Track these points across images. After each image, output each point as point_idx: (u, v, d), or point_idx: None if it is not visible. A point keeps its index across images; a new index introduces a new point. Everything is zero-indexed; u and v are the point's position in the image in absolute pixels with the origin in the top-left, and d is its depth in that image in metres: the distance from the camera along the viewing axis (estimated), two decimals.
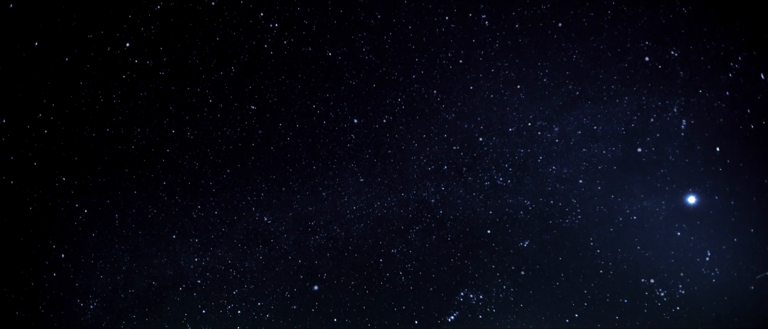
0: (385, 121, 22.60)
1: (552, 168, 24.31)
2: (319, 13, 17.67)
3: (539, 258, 26.27)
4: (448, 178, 26.04)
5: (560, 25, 17.10)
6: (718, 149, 18.88)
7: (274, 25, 17.02)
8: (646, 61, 16.97)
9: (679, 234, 21.11)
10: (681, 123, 18.98)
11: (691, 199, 20.17)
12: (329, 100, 21.20)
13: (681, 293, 21.71)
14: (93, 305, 19.98)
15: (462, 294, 26.00)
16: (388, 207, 25.98)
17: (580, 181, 23.96)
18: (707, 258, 20.61)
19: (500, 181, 25.27)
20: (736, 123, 17.51)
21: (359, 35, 18.07)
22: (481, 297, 25.96)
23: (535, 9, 17.47)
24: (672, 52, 16.60)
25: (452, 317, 23.07)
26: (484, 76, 19.37)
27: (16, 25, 14.33)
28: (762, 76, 15.02)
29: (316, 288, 22.12)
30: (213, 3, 15.95)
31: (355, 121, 22.59)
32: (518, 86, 19.94)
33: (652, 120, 19.92)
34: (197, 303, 23.46)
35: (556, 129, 22.22)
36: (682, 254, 21.57)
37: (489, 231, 26.25)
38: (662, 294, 22.24)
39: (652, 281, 23.62)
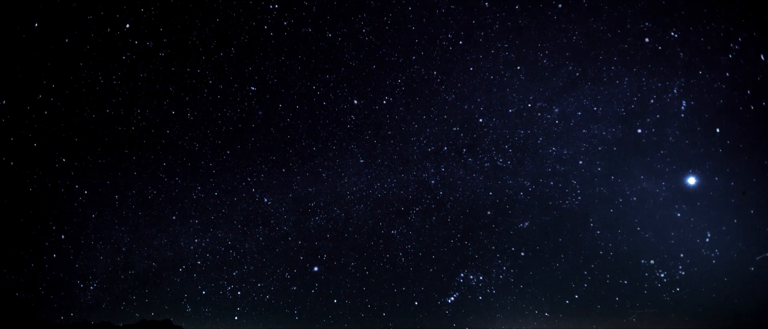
0: (385, 102, 22.39)
1: (552, 149, 24.11)
2: None
3: (539, 239, 26.00)
4: (448, 159, 25.68)
5: (560, 6, 16.90)
6: (718, 130, 18.78)
7: (274, 6, 16.81)
8: (646, 42, 16.81)
9: (679, 215, 20.95)
10: (681, 104, 18.86)
11: (691, 180, 20.06)
12: (329, 81, 20.99)
13: (681, 274, 21.63)
14: (93, 286, 19.96)
15: (462, 275, 25.78)
16: (388, 188, 25.78)
17: (580, 162, 23.76)
18: (707, 239, 20.47)
19: (500, 162, 25.03)
20: (736, 104, 17.40)
21: (359, 16, 17.84)
22: (481, 278, 25.75)
23: None
24: (672, 33, 16.42)
25: (452, 298, 23.00)
26: (484, 57, 19.16)
27: (16, 7, 14.21)
28: (762, 57, 14.90)
29: (316, 269, 22.06)
30: None
31: (355, 102, 22.36)
32: (518, 67, 19.73)
33: (652, 101, 19.78)
34: (197, 283, 23.35)
35: (556, 110, 22.04)
36: (682, 235, 21.45)
37: (489, 212, 25.96)
38: (662, 275, 22.15)
39: (652, 262, 23.42)
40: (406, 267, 26.32)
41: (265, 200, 26.34)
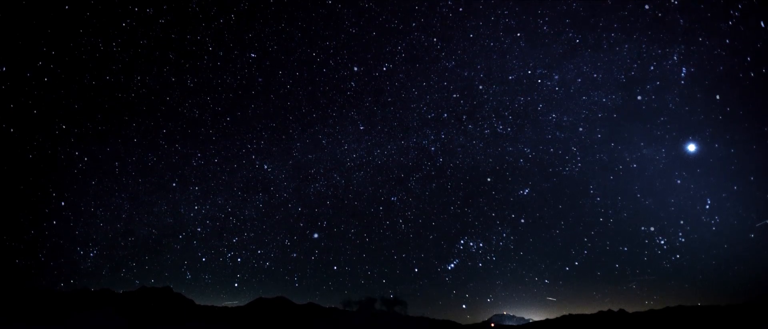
0: (385, 68, 22.28)
1: (552, 116, 24.08)
2: None
3: (539, 206, 26.00)
4: (448, 126, 25.64)
5: None
6: (718, 97, 18.78)
7: None
8: (646, 9, 16.70)
9: (679, 181, 20.90)
10: (681, 71, 18.78)
11: (691, 147, 20.07)
12: (329, 48, 20.84)
13: (681, 241, 21.64)
14: (93, 253, 20.04)
15: (462, 241, 25.79)
16: (388, 155, 25.79)
17: (580, 129, 23.73)
18: (707, 206, 20.46)
19: (500, 129, 25.01)
20: (736, 71, 17.33)
21: None
22: (481, 244, 25.77)
23: None
24: (672, 0, 16.28)
25: (452, 265, 23.07)
26: (484, 24, 19.02)
27: None
28: (762, 24, 14.79)
29: (316, 235, 22.09)
30: None
31: (355, 69, 22.23)
32: (518, 34, 19.59)
33: (652, 68, 19.72)
34: (197, 250, 23.34)
35: (557, 77, 21.92)
36: (682, 202, 21.41)
37: (489, 179, 25.97)
38: (662, 241, 22.15)
39: (652, 229, 23.36)
40: (406, 234, 26.46)
41: (265, 167, 26.41)
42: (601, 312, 21.60)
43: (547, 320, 23.10)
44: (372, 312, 21.20)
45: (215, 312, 21.08)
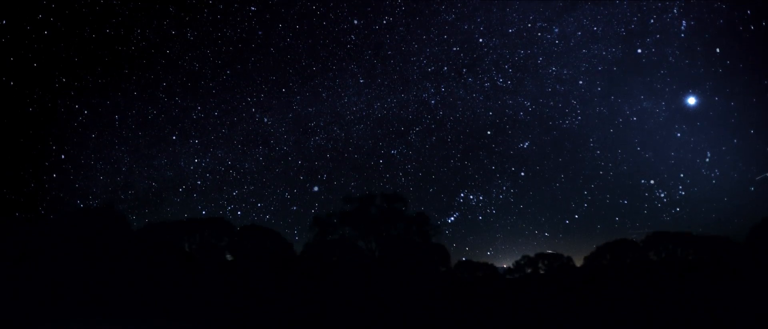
0: (385, 22, 22.20)
1: (552, 69, 24.06)
2: None
3: (539, 159, 26.05)
4: (448, 79, 25.63)
5: None
6: (718, 50, 18.73)
7: None
8: None
9: (679, 135, 20.93)
10: (681, 24, 18.71)
11: (691, 100, 20.09)
12: (329, 1, 20.77)
13: (681, 194, 21.69)
14: (93, 206, 19.95)
15: (462, 195, 25.87)
16: (388, 108, 25.77)
17: (580, 82, 23.74)
18: (707, 160, 20.52)
19: (500, 82, 25.00)
20: (737, 24, 17.26)
21: None
22: (481, 198, 25.85)
23: None
24: None
25: (452, 218, 23.07)
26: None
27: None
28: None
29: (316, 189, 22.08)
30: None
31: (355, 22, 22.16)
32: None
33: (651, 21, 19.65)
34: (197, 203, 23.36)
35: (556, 30, 21.84)
36: (682, 155, 21.45)
37: (489, 133, 26.00)
38: (662, 195, 22.20)
39: (652, 182, 23.44)
40: (406, 187, 26.56)
41: (265, 120, 26.43)
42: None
43: None
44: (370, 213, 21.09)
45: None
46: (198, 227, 18.31)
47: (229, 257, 18.42)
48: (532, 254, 21.27)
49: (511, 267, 21.20)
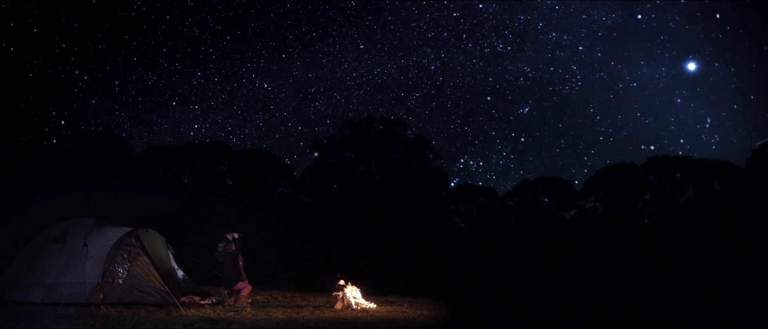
0: None
1: (552, 34, 24.12)
2: None
3: (539, 124, 26.18)
4: (448, 45, 25.73)
5: None
6: (718, 16, 18.73)
7: None
8: None
9: (679, 101, 21.05)
10: None
11: (691, 66, 20.15)
12: None
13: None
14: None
15: (462, 160, 26.04)
16: (388, 74, 25.86)
17: (580, 48, 23.77)
18: (707, 125, 20.65)
19: (500, 48, 25.05)
20: None
21: None
22: (481, 163, 26.02)
23: None
24: None
25: (452, 184, 23.17)
26: None
27: None
28: None
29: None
30: None
31: None
32: None
33: None
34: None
35: None
36: (682, 121, 21.58)
37: (489, 98, 26.09)
38: None
39: (652, 148, 23.60)
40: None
41: (265, 86, 26.50)
42: None
43: None
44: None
45: None
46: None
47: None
48: (532, 178, 21.55)
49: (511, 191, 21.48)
